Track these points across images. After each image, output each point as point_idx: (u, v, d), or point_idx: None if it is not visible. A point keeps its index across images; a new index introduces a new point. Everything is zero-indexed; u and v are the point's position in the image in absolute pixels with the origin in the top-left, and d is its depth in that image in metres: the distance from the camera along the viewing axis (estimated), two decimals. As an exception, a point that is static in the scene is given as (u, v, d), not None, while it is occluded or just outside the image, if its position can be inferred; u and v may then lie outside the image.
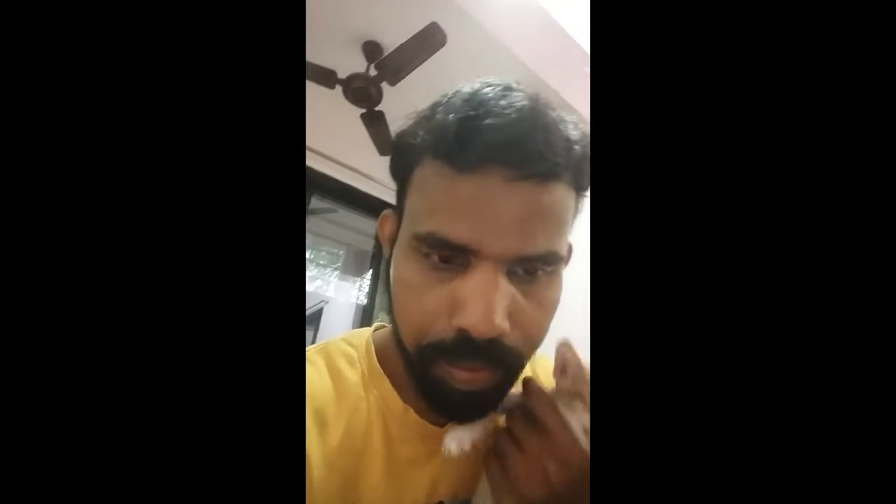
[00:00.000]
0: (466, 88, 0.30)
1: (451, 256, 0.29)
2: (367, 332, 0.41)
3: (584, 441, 0.30)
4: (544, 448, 0.30)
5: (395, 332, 0.33)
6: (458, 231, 0.28)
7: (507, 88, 0.29)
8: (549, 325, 0.32)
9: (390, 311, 0.34)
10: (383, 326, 0.41)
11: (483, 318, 0.27)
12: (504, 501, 0.31)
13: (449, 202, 0.28)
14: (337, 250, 3.38)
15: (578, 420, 0.31)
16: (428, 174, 0.30)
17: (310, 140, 2.06)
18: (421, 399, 0.33)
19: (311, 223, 2.46)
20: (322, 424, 0.33)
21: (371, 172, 2.23)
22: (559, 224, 0.30)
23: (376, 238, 0.40)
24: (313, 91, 1.76)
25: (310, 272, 3.26)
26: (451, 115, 0.28)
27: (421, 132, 0.31)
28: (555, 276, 0.31)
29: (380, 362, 0.37)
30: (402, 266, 0.31)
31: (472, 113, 0.28)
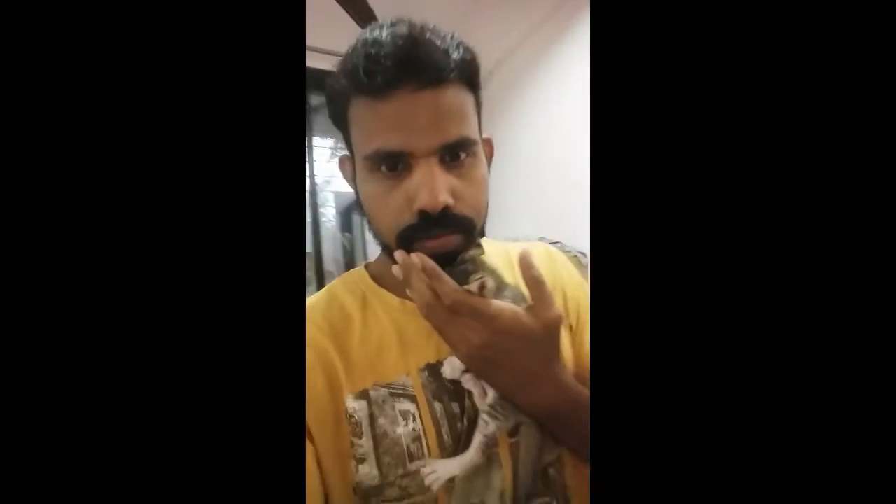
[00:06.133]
0: (363, 36, 0.39)
1: (395, 164, 0.39)
2: (358, 269, 0.54)
3: (506, 315, 0.37)
4: (468, 312, 0.38)
5: (377, 238, 0.45)
6: (392, 141, 0.38)
7: (392, 25, 0.38)
8: (485, 196, 0.43)
9: (368, 224, 0.45)
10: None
11: (431, 197, 0.37)
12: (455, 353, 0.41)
13: (380, 123, 0.38)
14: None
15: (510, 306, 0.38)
16: (359, 110, 0.40)
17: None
18: None
19: (319, 122, 2.43)
20: (343, 351, 0.46)
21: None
22: (462, 116, 0.40)
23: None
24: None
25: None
26: (357, 59, 0.38)
27: (342, 80, 0.40)
28: (476, 158, 0.42)
29: (375, 281, 0.51)
30: (365, 187, 0.42)
31: (371, 51, 0.37)
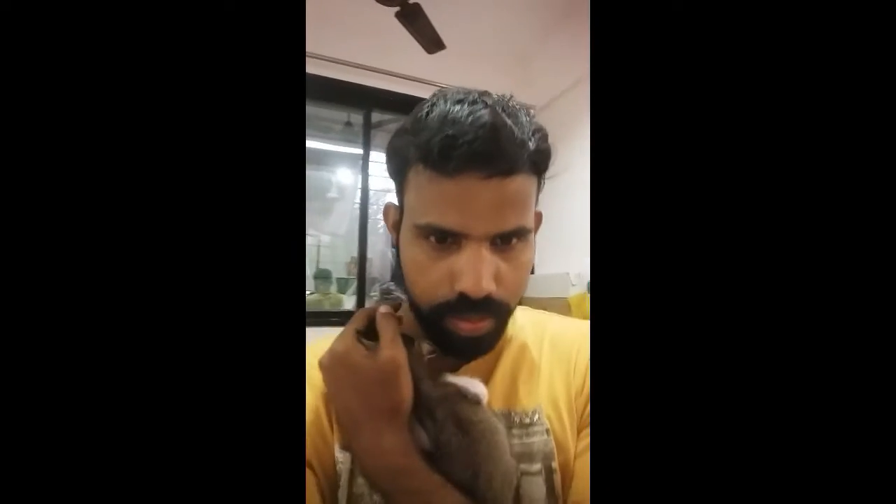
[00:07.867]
0: (440, 107, 0.38)
1: (445, 238, 0.38)
2: None
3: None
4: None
5: (410, 299, 0.44)
6: (449, 220, 0.37)
7: (473, 104, 0.37)
8: (526, 279, 0.42)
9: (403, 284, 0.44)
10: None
11: (475, 283, 0.36)
12: None
13: (440, 199, 0.37)
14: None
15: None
16: (420, 178, 0.38)
17: (352, 55, 2.04)
18: (436, 347, 0.43)
19: (379, 138, 2.53)
20: None
21: (422, 75, 2.17)
22: (524, 204, 0.39)
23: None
24: (345, 5, 1.69)
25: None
26: (433, 137, 0.36)
27: (411, 147, 0.39)
28: (527, 242, 0.40)
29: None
30: (409, 249, 0.41)
31: (449, 132, 0.35)
